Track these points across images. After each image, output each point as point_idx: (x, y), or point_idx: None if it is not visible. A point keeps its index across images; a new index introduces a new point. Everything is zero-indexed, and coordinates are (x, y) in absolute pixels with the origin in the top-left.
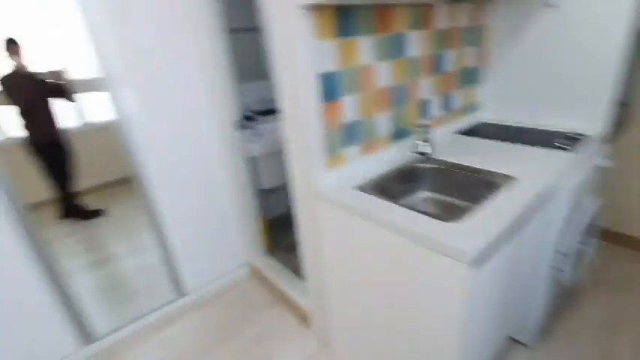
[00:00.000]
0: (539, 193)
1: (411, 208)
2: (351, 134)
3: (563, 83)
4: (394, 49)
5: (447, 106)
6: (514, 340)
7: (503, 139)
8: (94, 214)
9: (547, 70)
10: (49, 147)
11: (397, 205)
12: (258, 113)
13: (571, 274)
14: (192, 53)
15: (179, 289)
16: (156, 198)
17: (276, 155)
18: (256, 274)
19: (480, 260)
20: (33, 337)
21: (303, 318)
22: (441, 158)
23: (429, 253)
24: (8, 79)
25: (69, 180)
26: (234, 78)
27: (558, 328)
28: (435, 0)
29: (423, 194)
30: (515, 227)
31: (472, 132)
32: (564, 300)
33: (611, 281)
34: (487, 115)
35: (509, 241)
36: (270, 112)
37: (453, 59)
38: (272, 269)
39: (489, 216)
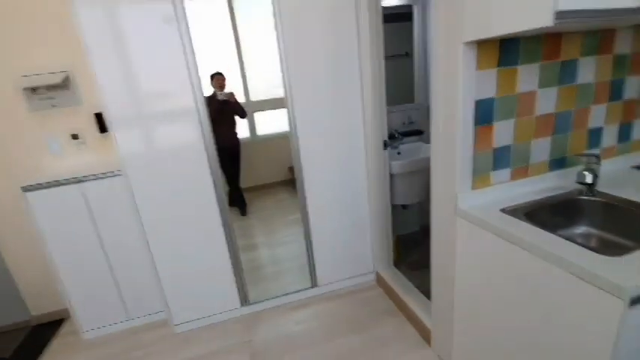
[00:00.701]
0: None
1: (563, 238)
2: (502, 158)
3: None
4: (563, 75)
5: (624, 136)
6: None
7: None
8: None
9: None
10: (227, 150)
11: (545, 231)
12: (401, 134)
13: None
14: (355, 78)
15: (313, 280)
16: (307, 199)
17: (413, 174)
18: (382, 284)
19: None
20: (215, 291)
21: (424, 333)
22: (608, 192)
23: (578, 283)
24: (209, 100)
25: (237, 177)
26: (385, 101)
27: None
28: (619, 24)
29: (581, 229)
30: None
31: None
32: None
33: None
34: None
35: None
36: (411, 133)
37: (635, 85)
38: (398, 281)
39: None
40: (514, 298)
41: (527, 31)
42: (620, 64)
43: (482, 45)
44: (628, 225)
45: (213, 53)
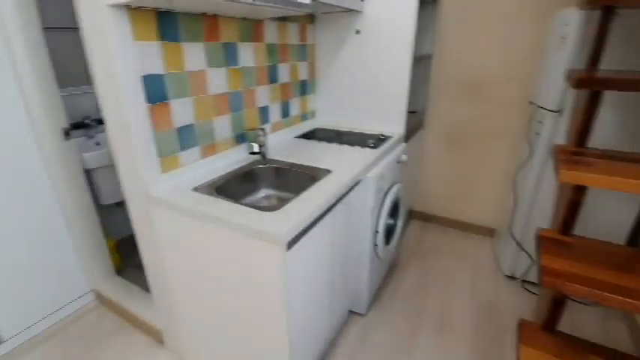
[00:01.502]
0: (348, 183)
1: (251, 204)
2: (187, 137)
3: (373, 96)
4: (227, 57)
5: (286, 113)
6: (353, 312)
7: (331, 141)
8: None
9: (360, 84)
10: None
11: (226, 202)
12: (97, 121)
13: (383, 248)
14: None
15: None
16: None
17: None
18: (104, 300)
19: (294, 241)
20: None
21: (157, 337)
22: (278, 159)
23: (251, 241)
24: None
25: None
26: (55, 81)
27: (384, 294)
28: (262, 16)
29: (263, 192)
30: (329, 211)
31: (308, 136)
32: (388, 271)
33: (422, 251)
34: (322, 120)
35: (323, 223)
36: None
37: (287, 71)
38: (121, 291)
39: (304, 204)
40: (212, 271)
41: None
42: (272, 52)
43: (135, 13)
44: (292, 181)
45: None
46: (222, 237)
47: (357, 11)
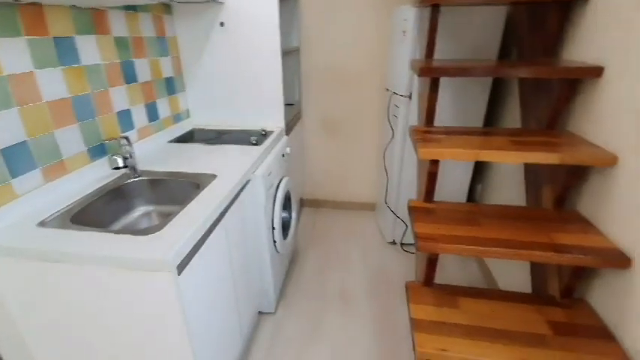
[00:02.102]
0: (237, 185)
1: (126, 228)
2: (20, 158)
3: (249, 91)
4: (62, 55)
5: (154, 115)
6: (263, 313)
7: (211, 142)
8: None
9: (234, 80)
10: None
11: (89, 232)
12: None
13: (282, 243)
14: None
15: None
16: None
17: None
18: None
19: (185, 262)
20: None
21: None
22: (152, 169)
23: (131, 274)
24: None
25: None
26: None
27: (289, 287)
28: (100, 4)
29: (140, 209)
30: (221, 218)
31: (184, 139)
32: (290, 263)
33: (317, 237)
34: (198, 120)
35: (217, 232)
36: None
37: (147, 68)
38: None
39: (191, 217)
40: (100, 323)
41: None
42: (123, 46)
43: None
44: (173, 193)
45: None
46: (91, 277)
47: (219, 2)
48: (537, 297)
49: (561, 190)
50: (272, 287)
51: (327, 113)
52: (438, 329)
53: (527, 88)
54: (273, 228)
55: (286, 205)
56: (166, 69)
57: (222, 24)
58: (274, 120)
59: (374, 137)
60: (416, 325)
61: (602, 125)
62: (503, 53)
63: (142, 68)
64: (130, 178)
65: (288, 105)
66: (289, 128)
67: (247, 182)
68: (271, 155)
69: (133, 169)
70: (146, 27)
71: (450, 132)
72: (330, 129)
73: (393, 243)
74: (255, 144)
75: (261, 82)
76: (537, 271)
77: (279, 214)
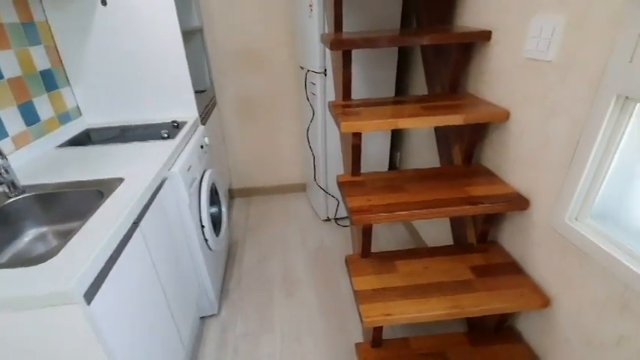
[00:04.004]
0: (150, 186)
1: (14, 259)
2: None
3: (152, 80)
4: None
5: (32, 118)
6: (206, 317)
7: (112, 141)
8: None
9: (131, 68)
10: None
11: None
12: None
13: (214, 240)
14: None
15: None
16: None
17: None
18: None
19: (95, 287)
20: None
21: None
22: (38, 182)
23: (25, 315)
24: None
25: None
26: None
27: (231, 284)
28: None
29: (31, 232)
30: (136, 226)
31: (78, 141)
32: (227, 259)
33: (253, 226)
34: (93, 119)
35: (133, 243)
36: None
37: (12, 61)
38: None
39: (96, 232)
40: None
41: None
42: None
43: None
44: (70, 207)
45: None
46: None
47: None
48: (458, 247)
49: (468, 147)
50: (211, 288)
51: (243, 96)
52: (380, 296)
53: (429, 55)
54: (202, 226)
55: (214, 199)
56: (40, 60)
57: (104, 2)
58: (186, 109)
59: (296, 117)
60: (359, 296)
61: (495, 85)
62: (405, 23)
63: (7, 62)
64: (9, 198)
65: (199, 92)
66: (205, 117)
67: (164, 181)
68: (188, 148)
69: (13, 185)
70: (5, 11)
71: (367, 104)
72: (249, 113)
73: (328, 219)
74: (168, 137)
75: (163, 68)
76: (456, 223)
77: (206, 210)
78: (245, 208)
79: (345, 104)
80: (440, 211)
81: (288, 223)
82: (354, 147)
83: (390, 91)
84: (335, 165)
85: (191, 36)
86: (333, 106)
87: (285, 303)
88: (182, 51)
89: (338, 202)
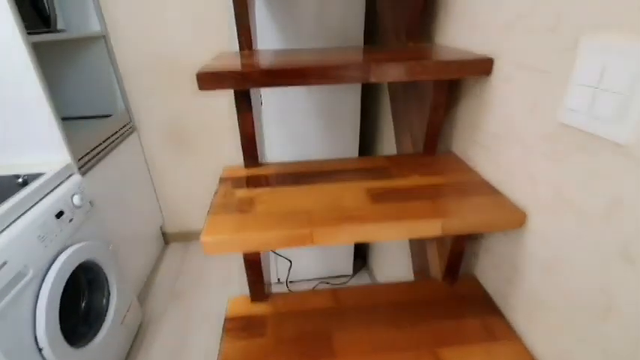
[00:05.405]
0: None
1: None
2: None
3: None
4: None
5: None
6: None
7: None
8: None
9: None
10: None
11: None
12: None
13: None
14: None
15: None
16: None
17: None
18: None
19: None
20: None
21: None
22: None
23: None
24: None
25: None
26: None
27: None
28: None
29: None
30: None
31: None
32: (133, 346)
33: (182, 290)
34: None
35: None
36: None
37: None
38: None
39: None
40: None
41: None
42: None
43: None
44: None
45: None
46: None
47: None
48: None
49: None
50: None
51: (169, 118)
52: None
53: (396, 91)
54: (40, 349)
55: (94, 285)
56: None
57: None
58: (47, 150)
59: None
60: None
61: (498, 154)
62: (370, 28)
63: None
64: None
65: (101, 117)
66: (104, 154)
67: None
68: (30, 217)
69: None
70: None
71: (282, 176)
72: (178, 138)
73: (279, 282)
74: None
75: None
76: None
77: (52, 320)
78: (179, 260)
79: (239, 177)
80: None
81: (228, 284)
82: (251, 265)
83: (353, 140)
84: None
85: (88, 44)
86: (227, 179)
87: None
88: (29, 63)
89: (290, 262)
